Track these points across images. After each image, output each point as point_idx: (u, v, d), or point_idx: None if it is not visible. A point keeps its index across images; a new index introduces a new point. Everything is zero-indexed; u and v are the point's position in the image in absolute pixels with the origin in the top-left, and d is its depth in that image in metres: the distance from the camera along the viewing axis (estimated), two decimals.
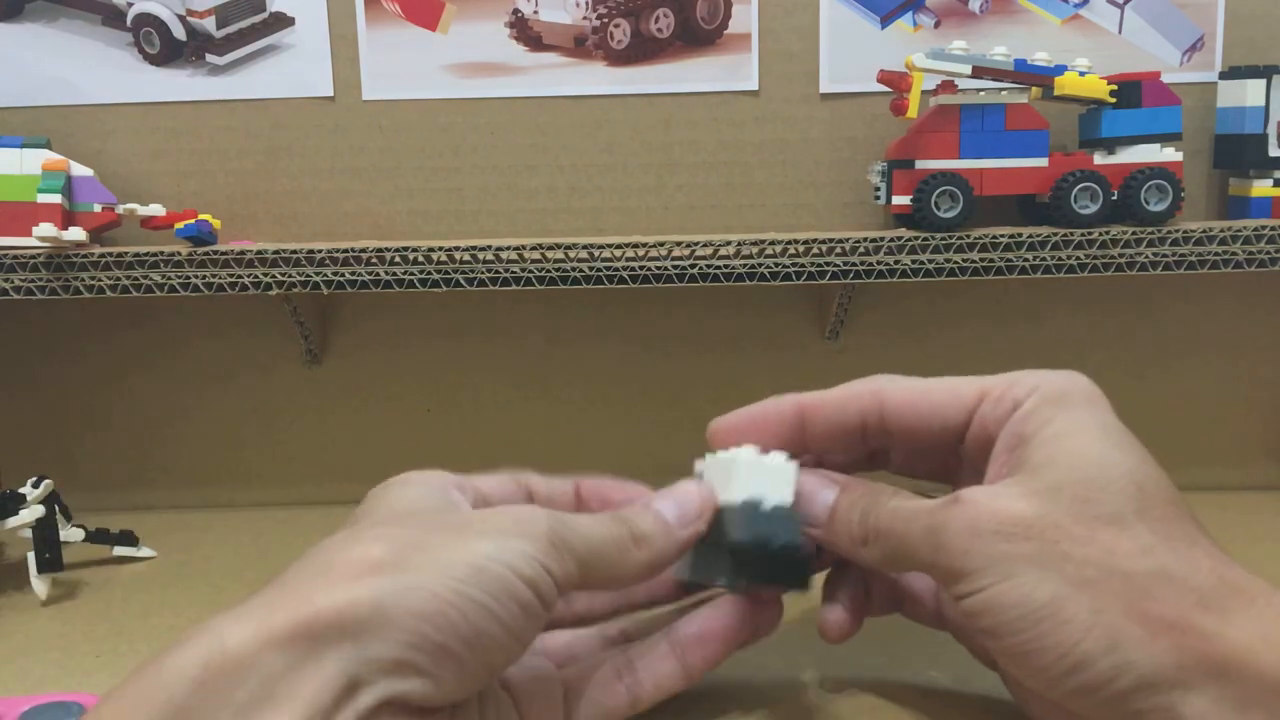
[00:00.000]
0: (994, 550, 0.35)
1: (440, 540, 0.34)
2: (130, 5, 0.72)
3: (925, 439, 0.41)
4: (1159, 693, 0.32)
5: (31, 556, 0.59)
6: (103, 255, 0.66)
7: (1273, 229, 0.65)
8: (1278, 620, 0.32)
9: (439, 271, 0.66)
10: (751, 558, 0.42)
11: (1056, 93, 0.66)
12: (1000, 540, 0.35)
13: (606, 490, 0.45)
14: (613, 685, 0.40)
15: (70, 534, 0.62)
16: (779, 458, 0.43)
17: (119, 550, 0.65)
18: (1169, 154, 0.66)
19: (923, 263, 0.65)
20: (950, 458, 0.44)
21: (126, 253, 0.66)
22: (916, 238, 0.65)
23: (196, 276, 0.66)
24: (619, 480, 0.46)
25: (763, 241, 0.66)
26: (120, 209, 0.69)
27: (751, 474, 0.42)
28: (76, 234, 0.66)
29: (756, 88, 0.72)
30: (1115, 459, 0.36)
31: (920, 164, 0.66)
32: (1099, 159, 0.67)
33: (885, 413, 0.41)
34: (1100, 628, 0.33)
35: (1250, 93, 0.68)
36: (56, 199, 0.67)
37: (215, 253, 0.66)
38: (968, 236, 0.65)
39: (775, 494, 0.42)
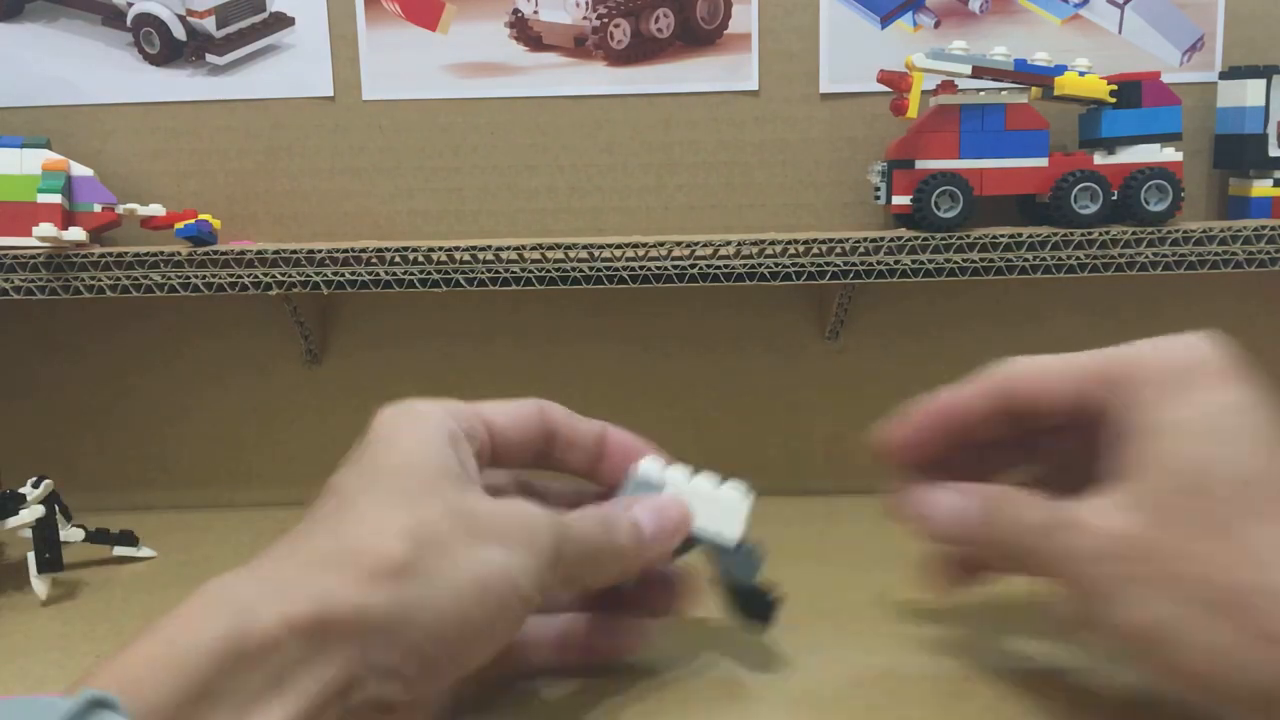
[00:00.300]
0: (1105, 573, 0.35)
1: (454, 544, 0.35)
2: (130, 5, 0.72)
3: (1057, 423, 0.41)
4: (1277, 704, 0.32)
5: (31, 556, 0.59)
6: (103, 255, 0.66)
7: (1273, 229, 0.65)
8: None
9: (439, 271, 0.66)
10: (719, 585, 0.44)
11: (1056, 93, 0.66)
12: (1110, 563, 0.35)
13: (626, 446, 0.45)
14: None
15: (70, 534, 0.62)
16: (734, 491, 0.44)
17: (119, 550, 0.65)
18: (1169, 154, 0.66)
19: (923, 263, 0.65)
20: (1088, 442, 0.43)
21: (126, 253, 0.66)
22: (916, 238, 0.65)
23: (196, 276, 0.66)
24: (639, 440, 0.46)
25: (763, 241, 0.66)
26: (120, 209, 0.69)
27: (707, 506, 0.43)
28: (76, 234, 0.66)
29: (756, 88, 0.72)
30: (1222, 455, 0.34)
31: (920, 164, 0.66)
32: (1099, 159, 0.67)
33: (1017, 397, 0.42)
34: (1214, 647, 0.32)
35: (1250, 93, 0.68)
36: (56, 199, 0.67)
37: (215, 253, 0.66)
38: (968, 236, 0.65)
39: (729, 530, 0.44)
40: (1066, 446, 0.43)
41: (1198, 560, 0.33)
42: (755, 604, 0.46)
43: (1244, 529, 0.33)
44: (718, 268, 0.66)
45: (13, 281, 0.66)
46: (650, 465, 0.45)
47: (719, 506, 0.44)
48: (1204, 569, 0.33)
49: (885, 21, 0.72)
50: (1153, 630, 0.34)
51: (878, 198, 0.69)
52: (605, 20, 0.72)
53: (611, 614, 0.45)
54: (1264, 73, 0.68)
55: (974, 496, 0.41)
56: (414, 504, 0.36)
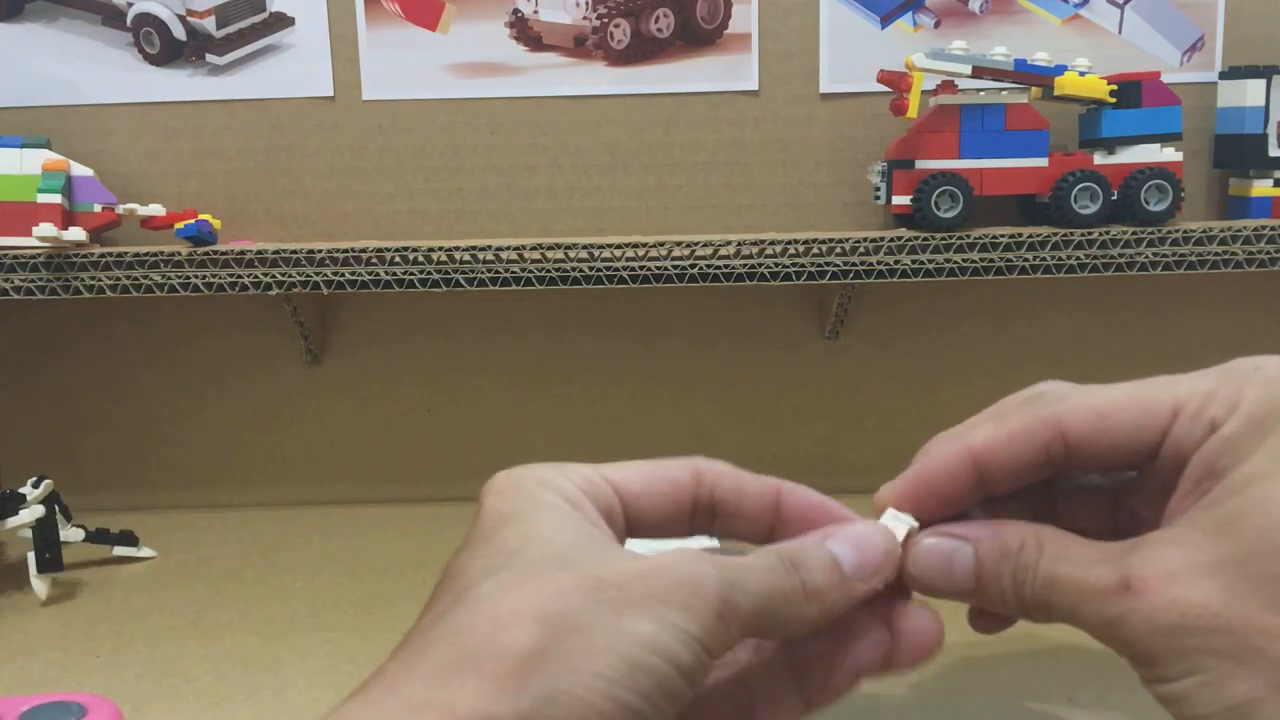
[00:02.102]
0: (1181, 646, 0.31)
1: (592, 619, 0.29)
2: (130, 5, 0.72)
3: (1115, 465, 0.35)
4: None
5: (31, 556, 0.59)
6: (103, 255, 0.66)
7: (1273, 229, 0.65)
8: None
9: (439, 271, 0.66)
10: None
11: (1056, 93, 0.66)
12: (1186, 635, 0.31)
13: (811, 511, 0.37)
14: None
15: (70, 534, 0.62)
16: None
17: (119, 550, 0.65)
18: (1169, 154, 0.66)
19: (923, 263, 0.65)
20: (1138, 478, 0.37)
21: (126, 253, 0.66)
22: (916, 238, 0.65)
23: (196, 276, 0.66)
24: (824, 500, 0.37)
25: (763, 241, 0.66)
26: (120, 209, 0.69)
27: None
28: (76, 234, 0.66)
29: (756, 88, 0.72)
30: None
31: (920, 164, 0.66)
32: (1099, 159, 0.67)
33: (1069, 444, 0.35)
34: None
35: (1250, 93, 0.68)
36: (56, 199, 0.67)
37: (215, 253, 0.66)
38: (968, 236, 0.65)
39: None
40: (1114, 485, 0.37)
41: None
42: None
43: None
44: (718, 268, 0.66)
45: (13, 281, 0.66)
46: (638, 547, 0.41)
47: None
48: None
49: (885, 21, 0.72)
50: (1237, 710, 0.30)
51: (878, 198, 0.69)
52: (605, 20, 0.72)
53: (809, 665, 0.36)
54: (1264, 73, 0.68)
55: (970, 543, 0.35)
56: (542, 579, 0.30)
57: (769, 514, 0.36)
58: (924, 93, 0.66)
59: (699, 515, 0.36)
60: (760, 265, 0.66)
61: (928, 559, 0.35)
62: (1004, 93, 0.67)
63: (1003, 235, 0.65)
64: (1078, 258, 0.65)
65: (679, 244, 0.66)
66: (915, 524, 0.35)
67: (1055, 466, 0.35)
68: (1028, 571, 0.34)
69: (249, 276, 0.66)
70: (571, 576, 0.30)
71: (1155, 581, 0.31)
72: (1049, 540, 0.34)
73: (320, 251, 0.66)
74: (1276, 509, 0.31)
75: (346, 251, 0.66)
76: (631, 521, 0.35)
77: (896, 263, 0.65)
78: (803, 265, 0.65)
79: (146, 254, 0.66)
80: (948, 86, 0.68)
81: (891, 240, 0.65)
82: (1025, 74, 0.65)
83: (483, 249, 0.66)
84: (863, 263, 0.65)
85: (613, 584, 0.30)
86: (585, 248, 0.66)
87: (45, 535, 0.59)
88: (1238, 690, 0.30)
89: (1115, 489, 0.36)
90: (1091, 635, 0.32)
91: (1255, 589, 0.30)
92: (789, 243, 0.66)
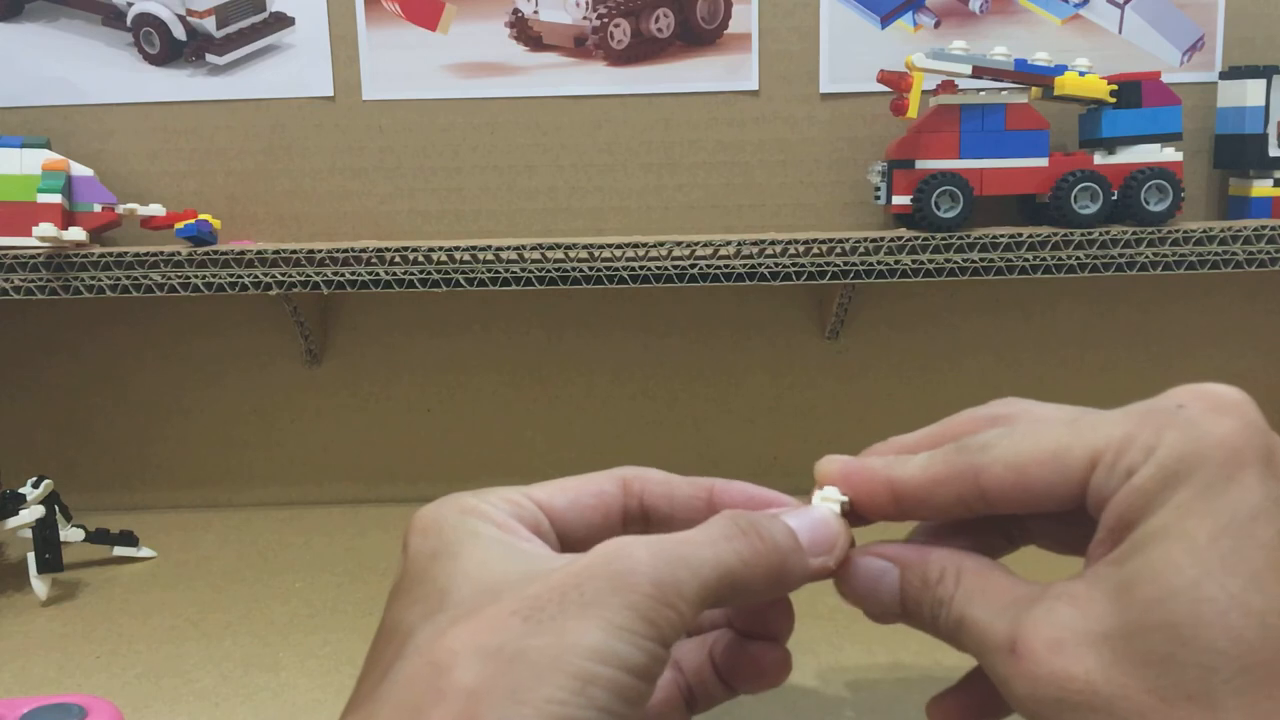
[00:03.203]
0: (1057, 718, 0.29)
1: (534, 641, 0.28)
2: (130, 5, 0.72)
3: (1039, 513, 0.33)
4: None
5: (31, 557, 0.59)
6: (103, 255, 0.66)
7: (1273, 229, 0.65)
8: None
9: (439, 271, 0.66)
10: None
11: (1056, 93, 0.66)
12: (1064, 710, 0.29)
13: (747, 503, 0.35)
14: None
15: (70, 534, 0.62)
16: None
17: (119, 550, 0.65)
18: (1169, 154, 0.66)
19: (923, 263, 0.65)
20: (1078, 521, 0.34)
21: (126, 253, 0.66)
22: (916, 238, 0.65)
23: (196, 276, 0.66)
24: (759, 490, 0.36)
25: (763, 241, 0.66)
26: (120, 209, 0.69)
27: None
28: (76, 234, 0.66)
29: (756, 88, 0.72)
30: (1216, 593, 0.27)
31: (920, 164, 0.66)
32: (1099, 159, 0.67)
33: (987, 498, 0.33)
34: None
35: (1250, 93, 0.68)
36: (56, 199, 0.67)
37: (215, 253, 0.66)
38: (968, 236, 0.65)
39: None
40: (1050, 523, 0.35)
41: None
42: None
43: (1233, 701, 0.27)
44: (718, 268, 0.66)
45: (13, 281, 0.66)
46: None
47: None
48: None
49: (885, 21, 0.72)
50: None
51: (878, 198, 0.69)
52: (605, 20, 0.72)
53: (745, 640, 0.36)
54: (1264, 73, 0.68)
55: (899, 566, 0.34)
56: (477, 613, 0.28)
57: (703, 515, 0.34)
58: (924, 93, 0.66)
59: (630, 524, 0.35)
60: (760, 265, 0.66)
61: (858, 579, 0.34)
62: (1004, 93, 0.67)
63: (1003, 235, 0.65)
64: (1078, 258, 0.65)
65: (679, 244, 0.66)
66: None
67: (977, 512, 0.33)
68: (942, 606, 0.33)
69: (249, 276, 0.66)
70: (506, 603, 0.28)
71: (1041, 648, 0.29)
72: (967, 574, 0.33)
73: (320, 251, 0.66)
74: (1171, 577, 0.28)
75: (346, 251, 0.66)
76: (562, 538, 0.33)
77: (896, 263, 0.65)
78: (803, 265, 0.65)
79: (146, 254, 0.66)
80: (948, 86, 0.68)
81: (891, 240, 0.65)
82: (1025, 74, 0.65)
83: (483, 249, 0.66)
84: (863, 263, 0.65)
85: (548, 599, 0.28)
86: (585, 248, 0.66)
87: (45, 535, 0.59)
88: None
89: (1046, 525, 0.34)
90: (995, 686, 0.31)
91: (1138, 667, 0.28)
92: (789, 243, 0.66)
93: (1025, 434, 0.32)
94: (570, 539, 0.33)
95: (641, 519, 0.34)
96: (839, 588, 0.34)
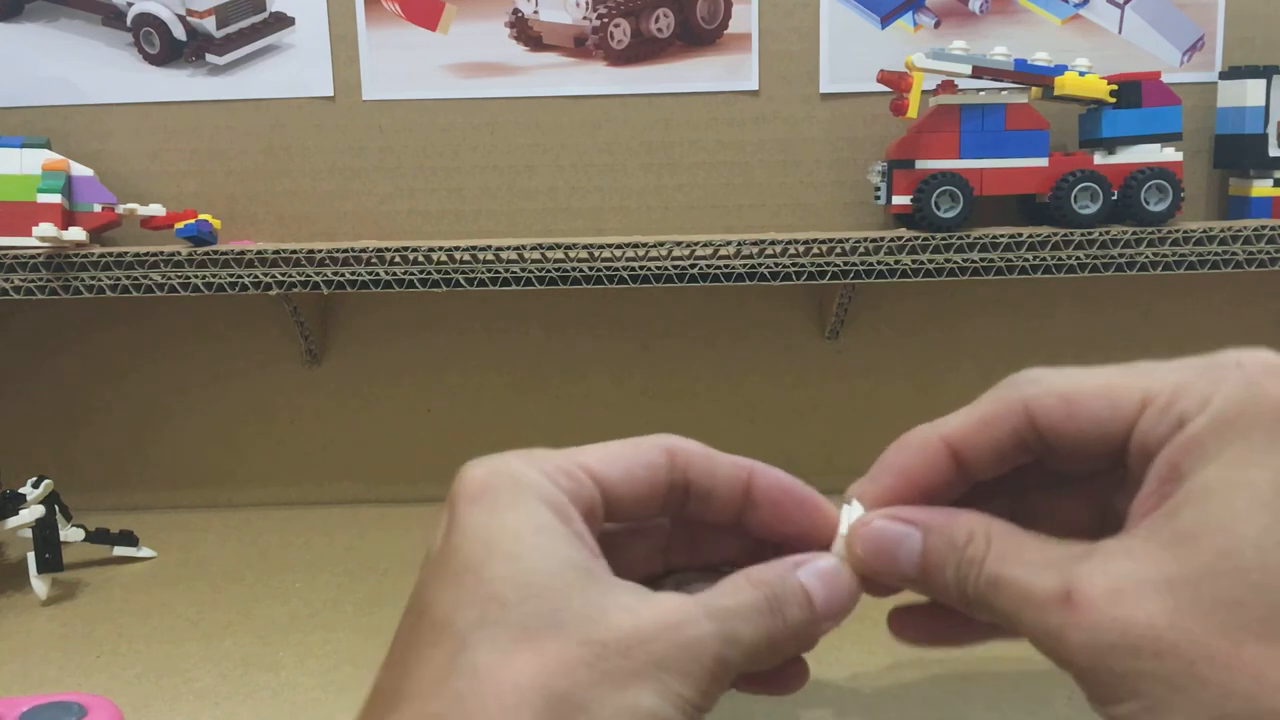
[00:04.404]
0: (1121, 667, 0.29)
1: (597, 694, 0.28)
2: (130, 5, 0.72)
3: (1088, 453, 0.33)
4: None
5: (31, 556, 0.59)
6: (103, 255, 0.66)
7: (1273, 229, 0.65)
8: None
9: (439, 271, 0.66)
10: None
11: (1056, 93, 0.66)
12: (1127, 657, 0.29)
13: (782, 494, 0.35)
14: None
15: (70, 534, 0.62)
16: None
17: (119, 550, 0.65)
18: (1169, 154, 0.66)
19: (923, 263, 0.65)
20: (1114, 465, 0.35)
21: (126, 253, 0.66)
22: (916, 238, 0.65)
23: (196, 276, 0.66)
24: (794, 483, 0.35)
25: (763, 241, 0.66)
26: (120, 209, 0.69)
27: None
28: (76, 234, 0.66)
29: (756, 88, 0.72)
30: None
31: (920, 164, 0.66)
32: (1099, 159, 0.67)
33: (1038, 429, 0.33)
34: None
35: (1250, 93, 0.68)
36: (56, 199, 0.67)
37: (215, 253, 0.66)
38: (968, 236, 0.65)
39: None
40: (1089, 461, 0.34)
41: (1237, 669, 0.28)
42: None
43: None
44: (718, 268, 0.66)
45: (13, 281, 0.66)
46: None
47: None
48: (1242, 681, 0.27)
49: (885, 21, 0.72)
50: None
51: (878, 198, 0.69)
52: (605, 20, 0.72)
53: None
54: (1264, 73, 0.68)
55: (920, 529, 0.34)
56: (541, 643, 0.29)
57: (741, 495, 0.35)
58: (924, 93, 0.66)
59: (673, 496, 0.35)
60: (760, 265, 0.66)
61: (875, 541, 0.34)
62: (1004, 93, 0.67)
63: (1003, 235, 0.65)
64: (1078, 258, 0.65)
65: (679, 244, 0.66)
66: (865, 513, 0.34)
67: (1031, 451, 0.33)
68: (973, 566, 0.32)
69: (249, 276, 0.66)
70: (572, 642, 0.29)
71: (1100, 596, 0.29)
72: (999, 536, 0.33)
73: (320, 251, 0.66)
74: (1238, 526, 0.28)
75: (346, 251, 0.66)
76: (609, 508, 0.34)
77: (896, 263, 0.65)
78: (803, 265, 0.65)
79: (146, 254, 0.66)
80: (948, 86, 0.68)
81: (891, 240, 0.65)
82: (1025, 74, 0.65)
83: (483, 249, 0.66)
84: (863, 263, 0.65)
85: (615, 651, 0.29)
86: (585, 248, 0.66)
87: (45, 535, 0.59)
88: (1183, 718, 0.28)
89: (1101, 486, 0.34)
90: (1033, 645, 0.30)
91: (1206, 612, 0.28)
92: (789, 243, 0.66)
93: (1076, 371, 0.33)
94: (617, 509, 0.34)
95: (683, 491, 0.34)
96: (851, 555, 0.34)
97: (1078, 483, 0.35)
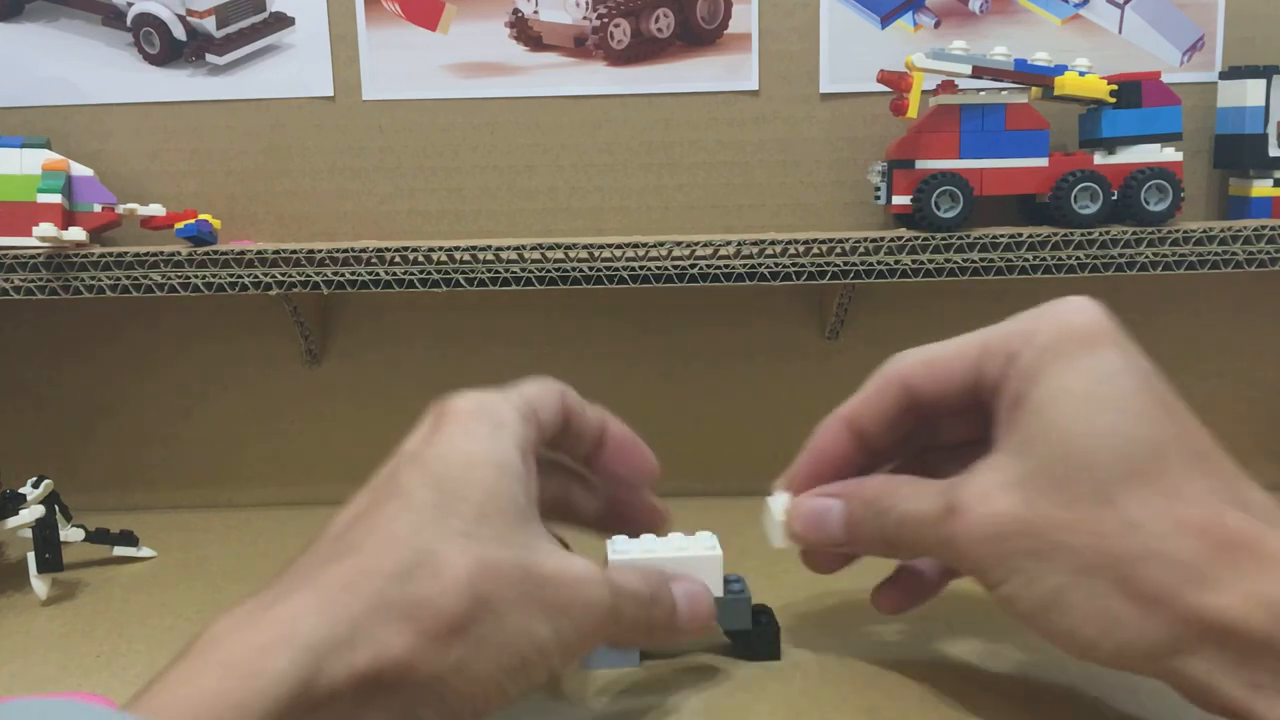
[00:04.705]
0: (998, 551, 0.36)
1: (510, 609, 0.35)
2: (130, 5, 0.72)
3: (950, 401, 0.42)
4: (1163, 660, 0.34)
5: (31, 556, 0.59)
6: (103, 255, 0.66)
7: (1273, 229, 0.65)
8: (1258, 580, 0.33)
9: (439, 271, 0.66)
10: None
11: (1056, 93, 0.66)
12: (1001, 542, 0.36)
13: (625, 445, 0.46)
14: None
15: (70, 534, 0.62)
16: (706, 546, 0.45)
17: (119, 550, 0.65)
18: (1169, 154, 0.66)
19: (923, 263, 0.65)
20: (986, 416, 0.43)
21: (126, 253, 0.66)
22: (916, 238, 0.65)
23: (196, 276, 0.66)
24: (633, 434, 0.47)
25: (763, 241, 0.66)
26: (120, 209, 0.69)
27: (684, 568, 0.44)
28: (76, 234, 0.66)
29: (756, 88, 0.72)
30: (1100, 425, 0.35)
31: (920, 164, 0.66)
32: (1099, 159, 0.67)
33: (913, 392, 0.42)
34: (1099, 612, 0.34)
35: (1250, 93, 0.68)
36: (56, 199, 0.67)
37: (215, 253, 0.66)
38: (968, 236, 0.65)
39: (712, 587, 0.44)
40: (967, 425, 0.43)
41: (1081, 531, 0.35)
42: (756, 642, 0.47)
43: (1123, 496, 0.34)
44: (718, 268, 0.66)
45: (13, 281, 0.66)
46: (620, 542, 0.45)
47: (696, 566, 0.45)
48: (1087, 539, 0.34)
49: (885, 21, 0.72)
50: (1045, 602, 0.35)
51: (878, 198, 0.69)
52: (605, 20, 0.72)
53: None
54: (1264, 73, 0.68)
55: (841, 499, 0.42)
56: (484, 549, 0.35)
57: (598, 436, 0.45)
58: (924, 93, 0.66)
59: (559, 432, 0.44)
60: (760, 265, 0.66)
61: (807, 518, 0.43)
62: (1004, 93, 0.67)
63: (1003, 235, 0.65)
64: (1078, 258, 0.65)
65: (679, 244, 0.66)
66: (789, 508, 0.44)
67: (914, 413, 0.43)
68: (886, 515, 0.40)
69: (249, 276, 0.66)
70: (508, 555, 0.35)
71: (973, 501, 0.37)
72: (901, 485, 0.41)
73: (320, 251, 0.66)
74: (1064, 422, 0.36)
75: (346, 251, 0.66)
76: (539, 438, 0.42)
77: (896, 263, 0.65)
78: (803, 265, 0.66)
79: (146, 254, 0.66)
80: (948, 86, 0.68)
81: (891, 240, 0.65)
82: (1025, 74, 0.65)
83: (483, 249, 0.66)
84: (863, 263, 0.65)
85: (534, 581, 0.36)
86: (585, 248, 0.66)
87: (45, 535, 0.59)
88: (1049, 582, 0.35)
89: (976, 446, 0.41)
90: (940, 560, 0.39)
91: (1051, 492, 0.35)
92: (789, 243, 0.66)
93: (930, 344, 0.43)
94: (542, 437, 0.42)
95: (563, 429, 0.44)
96: (790, 530, 0.44)
97: (963, 446, 0.43)
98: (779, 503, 0.45)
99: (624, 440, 0.46)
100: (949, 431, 0.45)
